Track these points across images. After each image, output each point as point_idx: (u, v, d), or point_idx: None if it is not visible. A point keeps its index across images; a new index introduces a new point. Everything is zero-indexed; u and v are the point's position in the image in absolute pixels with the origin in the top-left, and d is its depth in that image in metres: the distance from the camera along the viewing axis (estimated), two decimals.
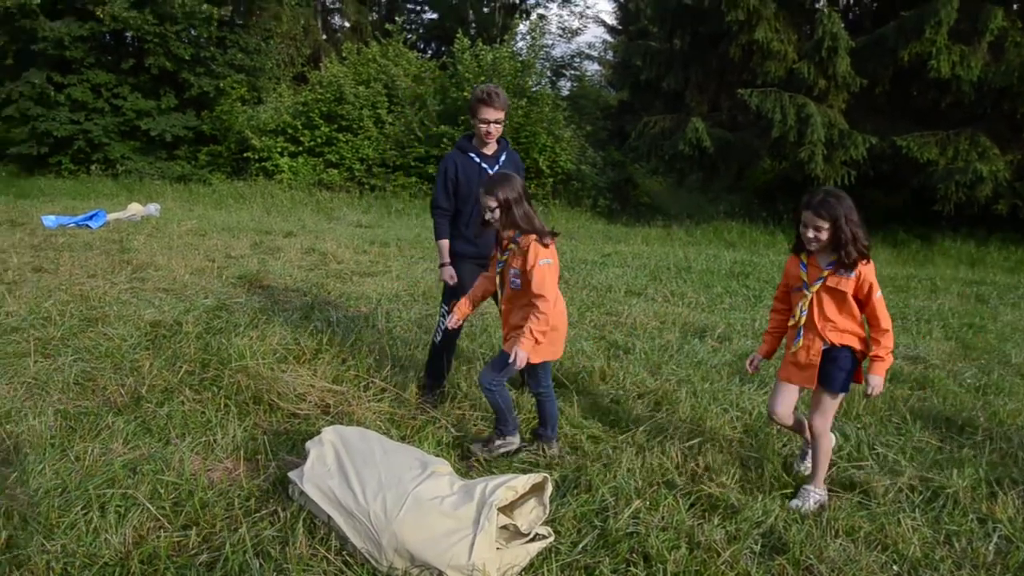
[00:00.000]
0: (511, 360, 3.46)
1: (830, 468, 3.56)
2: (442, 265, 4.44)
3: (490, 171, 4.23)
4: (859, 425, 4.36)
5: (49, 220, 11.94)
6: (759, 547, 2.90)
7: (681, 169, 21.30)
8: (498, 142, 4.36)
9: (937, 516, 3.29)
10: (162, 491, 3.06)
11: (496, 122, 4.18)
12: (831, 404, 3.35)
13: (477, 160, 4.29)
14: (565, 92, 28.01)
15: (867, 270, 3.17)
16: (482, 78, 18.81)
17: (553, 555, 2.69)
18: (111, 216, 12.78)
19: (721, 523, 3.06)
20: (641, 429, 4.14)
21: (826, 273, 3.22)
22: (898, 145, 15.34)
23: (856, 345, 3.27)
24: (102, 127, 19.45)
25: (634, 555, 2.78)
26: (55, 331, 5.16)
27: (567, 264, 10.70)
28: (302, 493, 2.88)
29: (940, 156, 15.18)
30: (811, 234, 3.18)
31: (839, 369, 3.27)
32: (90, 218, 12.26)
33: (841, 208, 3.09)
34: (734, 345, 6.29)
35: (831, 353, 3.27)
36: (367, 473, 2.78)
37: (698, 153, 17.77)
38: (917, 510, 3.33)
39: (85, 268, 7.97)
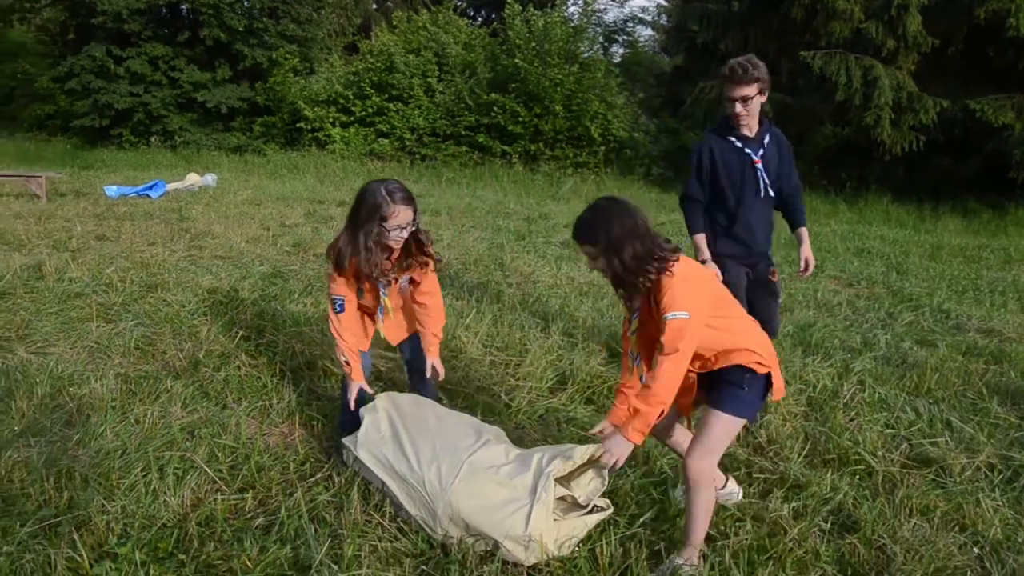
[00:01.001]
0: None
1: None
2: (703, 261, 3.76)
3: (754, 156, 3.69)
4: (931, 400, 4.14)
5: (111, 190, 12.26)
6: (828, 525, 2.76)
7: None
8: (760, 122, 3.76)
9: (1019, 497, 3.10)
10: (219, 454, 3.08)
11: (745, 99, 3.55)
12: (717, 432, 2.49)
13: (739, 144, 3.69)
14: (617, 58, 27.43)
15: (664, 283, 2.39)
16: (532, 44, 18.50)
17: (611, 528, 2.61)
18: (170, 186, 13.07)
19: (786, 499, 2.93)
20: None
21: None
22: (971, 109, 14.55)
23: (744, 361, 2.47)
24: (160, 99, 19.84)
25: None
26: (116, 297, 5.27)
27: None
28: (356, 459, 2.86)
29: (1016, 120, 14.35)
30: (588, 262, 2.55)
31: (729, 384, 2.51)
32: (150, 188, 12.55)
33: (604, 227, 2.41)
34: (795, 315, 6.07)
35: (716, 375, 2.56)
36: (421, 440, 2.73)
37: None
38: (997, 490, 3.14)
39: (145, 236, 8.14)
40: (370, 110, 19.35)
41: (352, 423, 3.07)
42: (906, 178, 17.99)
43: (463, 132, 19.10)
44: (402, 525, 2.66)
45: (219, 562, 2.36)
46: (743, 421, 2.52)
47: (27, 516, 2.47)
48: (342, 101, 19.56)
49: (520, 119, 18.57)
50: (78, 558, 2.26)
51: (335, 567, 2.30)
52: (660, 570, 2.47)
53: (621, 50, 29.82)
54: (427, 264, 3.10)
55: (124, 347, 4.32)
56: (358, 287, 3.06)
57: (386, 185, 2.83)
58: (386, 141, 19.29)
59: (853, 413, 3.93)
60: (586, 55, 20.00)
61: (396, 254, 2.98)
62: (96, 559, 2.30)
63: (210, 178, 14.46)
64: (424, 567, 2.43)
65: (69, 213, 9.71)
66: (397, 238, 2.85)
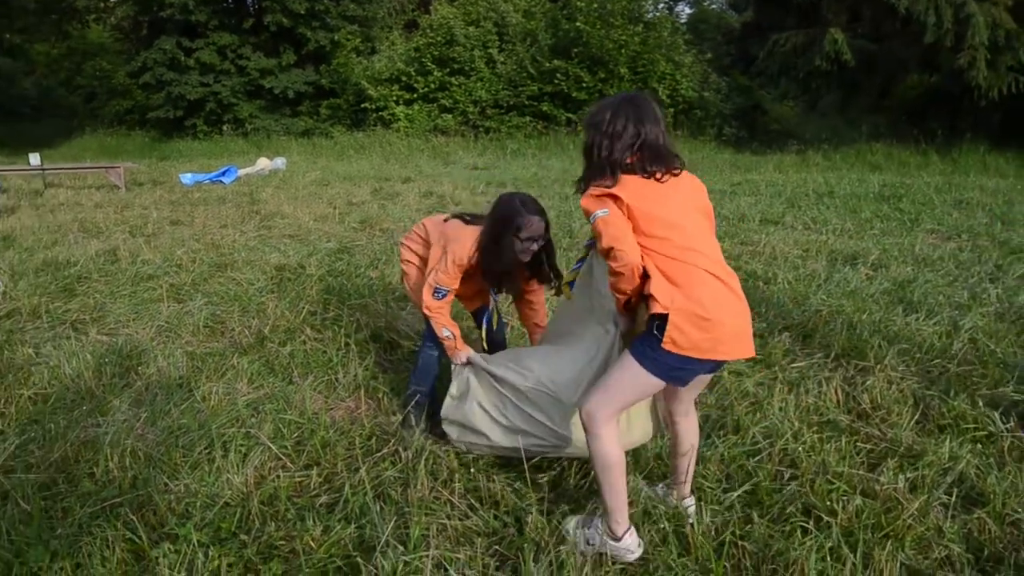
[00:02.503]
0: None
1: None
2: None
3: None
4: None
5: (186, 178, 12.57)
6: (952, 499, 2.43)
7: (817, 89, 19.63)
8: None
9: None
10: (284, 430, 2.97)
11: None
12: (616, 375, 2.20)
13: None
14: (684, 17, 26.43)
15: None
16: (594, 5, 17.94)
17: (704, 505, 2.36)
18: (241, 171, 13.31)
19: (900, 470, 2.61)
20: (792, 364, 3.69)
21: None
22: None
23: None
24: (230, 88, 20.26)
25: (793, 507, 2.41)
26: (187, 277, 5.29)
27: None
28: (451, 423, 2.69)
29: None
30: None
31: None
32: (223, 174, 12.80)
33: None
34: (892, 272, 5.60)
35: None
36: (526, 362, 2.61)
37: (836, 69, 16.21)
38: None
39: (218, 219, 8.25)
40: (432, 86, 19.23)
41: (425, 396, 3.05)
42: (1004, 124, 16.68)
43: (526, 102, 18.76)
44: (473, 502, 2.49)
45: (281, 542, 2.24)
46: (645, 372, 2.12)
47: (89, 496, 2.42)
48: (404, 78, 19.49)
49: (584, 84, 18.08)
50: (137, 540, 2.18)
51: (401, 548, 2.15)
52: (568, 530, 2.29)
53: (687, 8, 28.76)
54: (549, 282, 2.97)
55: (193, 326, 4.30)
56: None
57: (520, 196, 2.78)
58: (449, 116, 19.15)
59: (971, 369, 3.53)
60: (650, 14, 19.30)
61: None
62: (156, 541, 2.21)
63: (280, 162, 14.67)
64: (497, 547, 2.25)
65: (146, 201, 9.96)
66: (527, 249, 2.75)
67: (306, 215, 8.37)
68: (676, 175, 2.21)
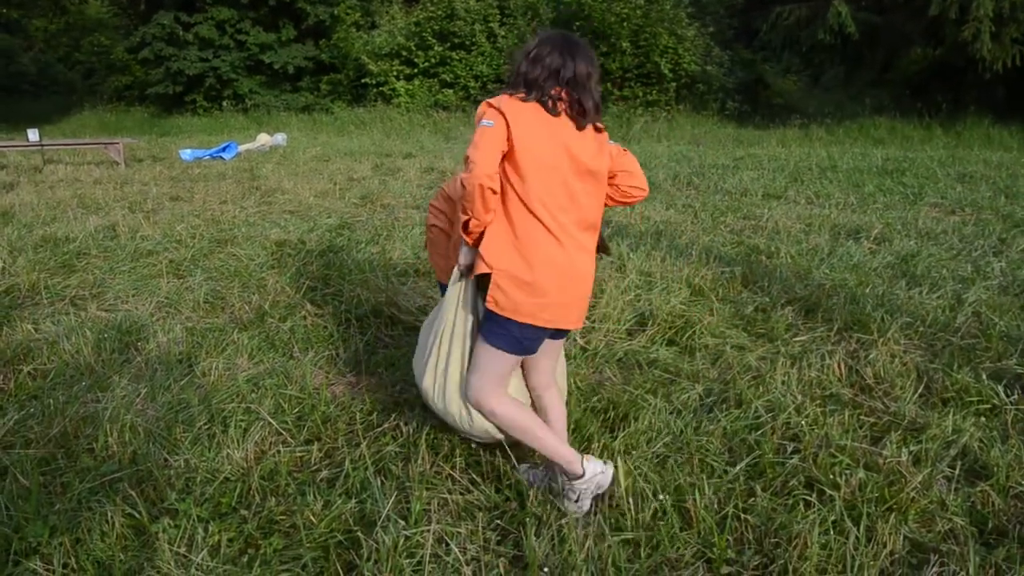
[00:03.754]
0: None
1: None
2: None
3: None
4: None
5: (186, 154, 12.49)
6: (956, 472, 2.42)
7: (820, 62, 19.45)
8: None
9: None
10: (285, 405, 2.96)
11: None
12: (479, 357, 2.21)
13: None
14: None
15: None
16: None
17: (706, 477, 2.35)
18: (242, 147, 13.22)
19: (903, 443, 2.59)
20: (795, 338, 3.67)
21: None
22: None
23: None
24: (229, 63, 20.06)
25: (796, 480, 2.39)
26: (186, 253, 5.26)
27: (695, 169, 9.99)
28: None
29: None
30: None
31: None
32: (223, 150, 12.71)
33: None
34: (895, 246, 5.56)
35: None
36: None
37: (840, 42, 16.00)
38: None
39: (218, 195, 8.19)
40: (433, 60, 19.02)
41: None
42: (1008, 97, 16.49)
43: None
44: (474, 477, 2.48)
45: (282, 517, 2.23)
46: (494, 348, 2.13)
47: (88, 472, 2.41)
48: (405, 53, 19.29)
49: None
50: (137, 515, 2.17)
51: (402, 522, 2.14)
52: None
53: None
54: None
55: (193, 301, 4.28)
56: None
57: None
58: (450, 91, 18.98)
59: (975, 343, 3.51)
60: None
61: None
62: (155, 516, 2.21)
63: (280, 138, 14.56)
64: (499, 521, 2.25)
65: (146, 177, 9.89)
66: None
67: (307, 191, 8.31)
68: (596, 128, 2.16)
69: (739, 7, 25.18)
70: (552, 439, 2.20)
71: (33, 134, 10.87)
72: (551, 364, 2.36)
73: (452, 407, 2.29)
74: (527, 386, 2.39)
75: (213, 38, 19.77)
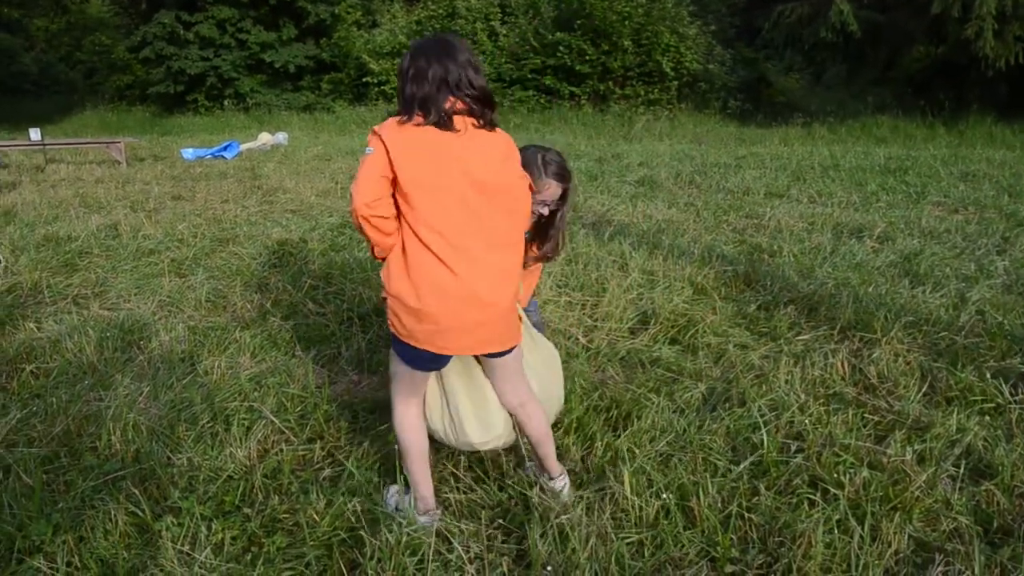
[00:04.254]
0: None
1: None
2: None
3: None
4: None
5: (187, 153, 12.50)
6: (960, 471, 2.41)
7: (822, 61, 19.44)
8: None
9: None
10: (287, 404, 2.96)
11: None
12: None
13: None
14: None
15: None
16: None
17: (710, 476, 2.35)
18: (243, 146, 13.23)
19: (907, 442, 2.59)
20: (798, 337, 3.67)
21: None
22: None
23: None
24: (230, 62, 20.09)
25: (800, 479, 2.39)
26: (188, 252, 5.26)
27: (698, 168, 9.98)
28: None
29: None
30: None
31: None
32: (224, 149, 12.72)
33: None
34: (898, 245, 5.54)
35: None
36: None
37: (843, 40, 15.98)
38: None
39: (219, 194, 8.20)
40: None
41: None
42: (1011, 95, 16.46)
43: (529, 76, 18.57)
44: (479, 474, 2.48)
45: (285, 516, 2.23)
46: (397, 358, 2.12)
47: (91, 470, 2.41)
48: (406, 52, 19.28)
49: (588, 58, 17.88)
50: (140, 513, 2.17)
51: (404, 521, 2.14)
52: None
53: None
54: (547, 252, 2.60)
55: (195, 300, 4.28)
56: None
57: (544, 152, 2.47)
58: None
59: (978, 343, 3.50)
60: None
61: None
62: (159, 514, 2.21)
63: (281, 137, 14.57)
64: (501, 520, 2.24)
65: (147, 176, 9.90)
66: (534, 211, 2.45)
67: (308, 190, 8.31)
68: (484, 128, 2.02)
69: (741, 5, 25.16)
70: (420, 473, 2.20)
71: (35, 133, 10.89)
72: (511, 384, 2.23)
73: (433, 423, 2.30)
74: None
75: (214, 37, 19.80)
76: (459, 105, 2.00)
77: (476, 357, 2.22)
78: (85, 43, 25.08)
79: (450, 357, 2.11)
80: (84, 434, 2.68)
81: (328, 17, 20.41)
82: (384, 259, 2.07)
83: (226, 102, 20.57)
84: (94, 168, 10.86)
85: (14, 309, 4.10)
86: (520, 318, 2.23)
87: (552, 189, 2.45)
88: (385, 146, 1.93)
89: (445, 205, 1.95)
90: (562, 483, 2.32)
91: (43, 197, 7.87)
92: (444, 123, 1.96)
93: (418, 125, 1.96)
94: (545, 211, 2.49)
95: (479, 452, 2.45)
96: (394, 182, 1.95)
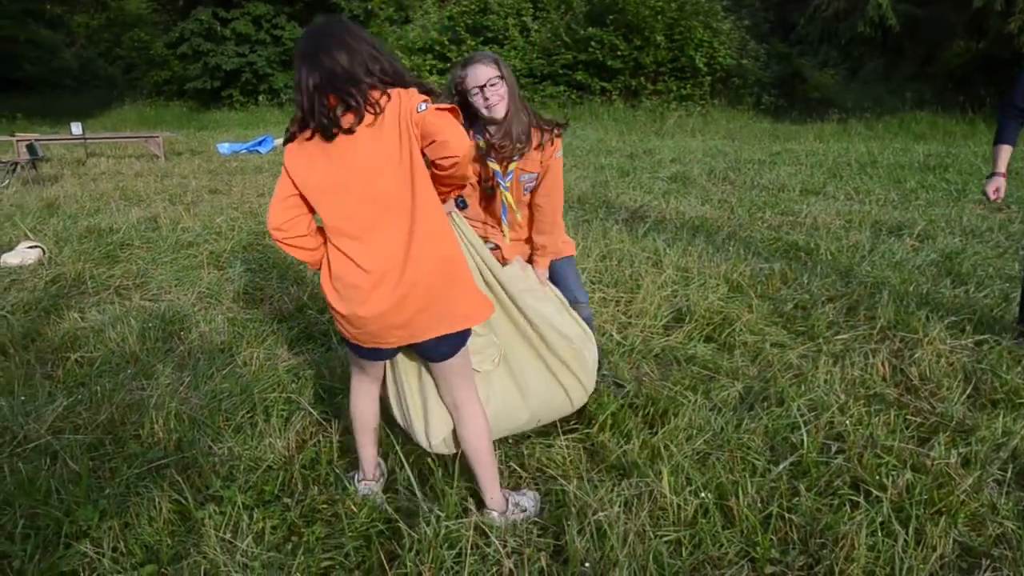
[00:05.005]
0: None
1: None
2: (992, 175, 3.43)
3: None
4: None
5: (223, 147, 12.69)
6: (1007, 475, 2.36)
7: (859, 56, 19.10)
8: None
9: None
10: (324, 395, 2.99)
11: None
12: None
13: None
14: None
15: None
16: None
17: (748, 476, 2.32)
18: (277, 141, 13.37)
19: (951, 445, 2.53)
20: (837, 336, 3.61)
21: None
22: None
23: None
24: (265, 58, 20.33)
25: (841, 480, 2.35)
26: (226, 244, 5.34)
27: (731, 164, 9.88)
28: None
29: None
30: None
31: None
32: (259, 144, 12.89)
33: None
34: (939, 243, 5.43)
35: None
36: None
37: (880, 35, 15.70)
38: None
39: (255, 188, 8.31)
40: (466, 54, 19.02)
41: None
42: None
43: (560, 71, 18.51)
44: (515, 467, 2.48)
45: (323, 506, 2.26)
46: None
47: (135, 458, 2.46)
48: (438, 48, 19.34)
49: (619, 53, 17.77)
50: (183, 501, 2.21)
51: (441, 514, 2.15)
52: None
53: None
54: (549, 135, 2.54)
55: (233, 292, 4.35)
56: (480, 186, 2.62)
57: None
58: None
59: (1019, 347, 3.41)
60: None
61: (504, 129, 2.47)
62: (201, 502, 2.25)
63: None
64: (537, 517, 2.24)
65: (184, 170, 10.07)
66: (481, 101, 2.40)
67: None
68: (372, 112, 1.90)
69: (775, 0, 24.83)
70: (360, 445, 2.32)
71: (76, 128, 11.12)
72: (447, 384, 2.15)
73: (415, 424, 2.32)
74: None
75: (249, 33, 20.05)
76: (326, 108, 1.90)
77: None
78: (124, 39, 25.56)
79: (393, 350, 2.10)
80: (128, 422, 2.73)
81: (361, 13, 20.56)
82: (318, 270, 2.10)
83: (260, 97, 20.83)
84: (133, 162, 11.07)
85: (59, 299, 4.20)
86: (498, 288, 2.28)
87: (477, 71, 2.40)
88: (286, 167, 1.98)
89: (347, 205, 1.93)
90: (495, 517, 2.16)
91: (84, 190, 8.04)
92: (326, 130, 1.90)
93: (308, 139, 1.94)
94: (491, 95, 2.39)
95: (506, 439, 2.48)
96: (303, 198, 1.97)
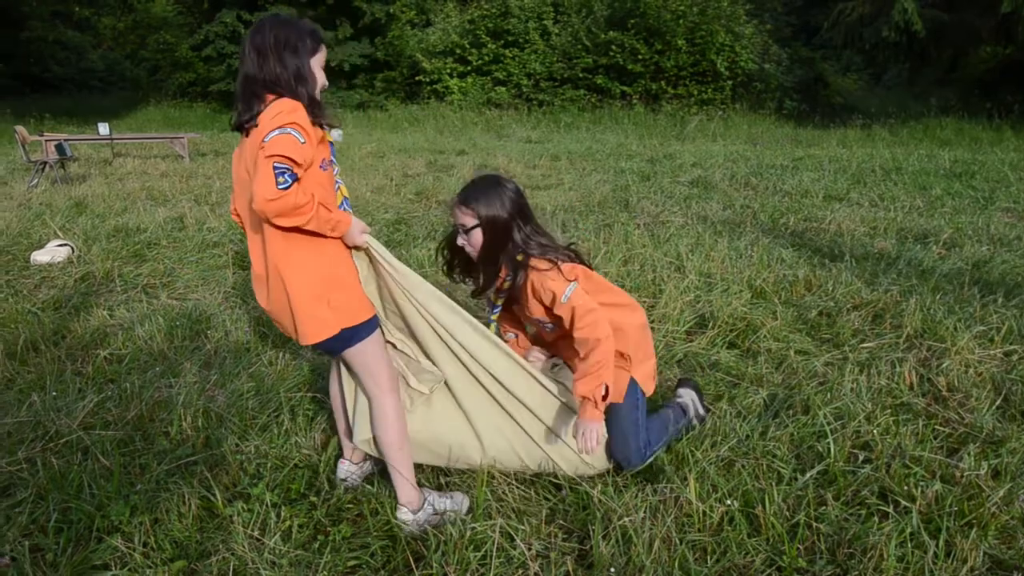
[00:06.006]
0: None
1: None
2: None
3: None
4: None
5: None
6: None
7: (884, 61, 18.94)
8: None
9: None
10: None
11: None
12: None
13: None
14: None
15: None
16: None
17: (774, 484, 2.31)
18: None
19: (982, 456, 2.50)
20: (862, 344, 3.58)
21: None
22: None
23: None
24: None
25: (868, 490, 2.33)
26: None
27: (753, 169, 9.82)
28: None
29: None
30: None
31: None
32: None
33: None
34: (966, 252, 5.36)
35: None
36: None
37: (906, 39, 15.56)
38: None
39: None
40: (486, 58, 19.11)
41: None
42: None
43: (580, 75, 18.52)
44: (534, 479, 2.48)
45: (349, 506, 2.27)
46: None
47: (165, 454, 2.49)
48: (459, 51, 19.42)
49: (640, 57, 17.74)
50: (211, 497, 2.24)
51: (467, 517, 2.15)
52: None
53: None
54: (526, 270, 2.30)
55: None
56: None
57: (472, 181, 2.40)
58: (503, 89, 19.04)
59: None
60: None
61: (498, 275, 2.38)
62: (229, 499, 2.27)
63: (336, 134, 14.78)
64: (562, 521, 2.24)
65: (209, 171, 10.18)
66: (461, 241, 2.35)
67: (363, 186, 8.44)
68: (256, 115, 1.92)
69: (798, 4, 24.66)
70: (337, 421, 2.44)
71: (103, 128, 11.28)
72: (354, 376, 2.25)
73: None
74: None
75: None
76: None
77: None
78: (150, 41, 25.87)
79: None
80: (156, 419, 2.77)
81: (383, 16, 20.67)
82: None
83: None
84: (158, 162, 11.21)
85: (88, 296, 4.26)
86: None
87: (456, 215, 2.33)
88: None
89: (242, 201, 2.11)
90: (404, 513, 2.16)
91: (111, 189, 8.16)
92: (241, 128, 2.04)
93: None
94: (467, 242, 2.33)
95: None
96: None
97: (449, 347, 2.25)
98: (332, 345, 2.07)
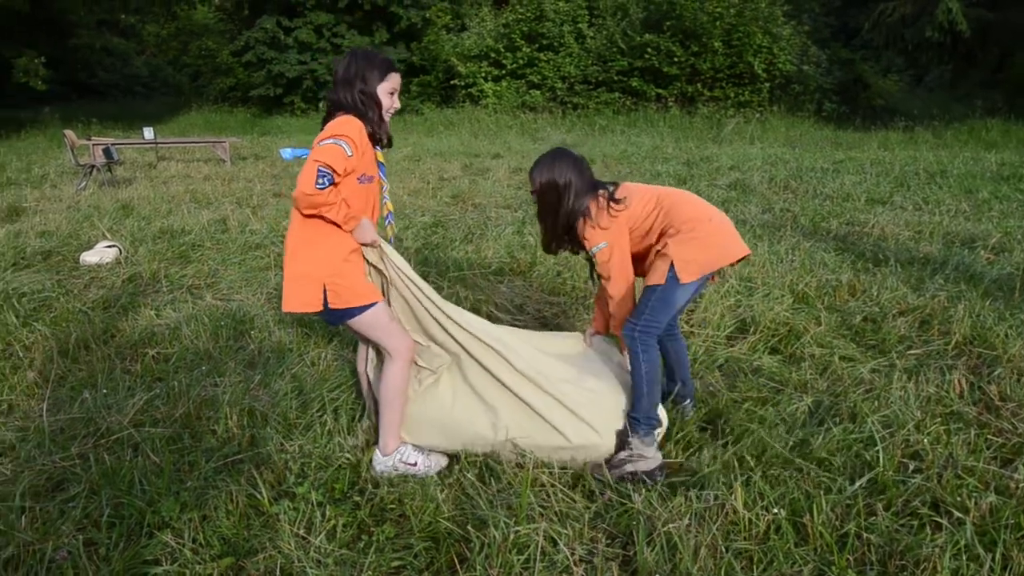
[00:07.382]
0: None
1: None
2: None
3: None
4: None
5: (286, 152, 13.00)
6: None
7: (927, 62, 18.54)
8: None
9: None
10: None
11: None
12: None
13: None
14: None
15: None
16: None
17: (822, 494, 2.27)
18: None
19: None
20: (909, 351, 3.50)
21: None
22: None
23: None
24: (325, 66, 20.75)
25: (920, 501, 2.28)
26: None
27: (792, 172, 9.68)
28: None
29: None
30: None
31: None
32: None
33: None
34: (1016, 256, 5.22)
35: None
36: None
37: (950, 40, 15.21)
38: None
39: None
40: (521, 62, 19.13)
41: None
42: None
43: (615, 78, 18.43)
44: (576, 483, 2.47)
45: (392, 506, 2.29)
46: None
47: (212, 452, 2.54)
48: (493, 55, 19.48)
49: (676, 59, 17.60)
50: (258, 495, 2.27)
51: (510, 522, 2.15)
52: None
53: None
54: (579, 223, 2.62)
55: None
56: None
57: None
58: (537, 92, 19.03)
59: None
60: None
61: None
62: (275, 497, 2.30)
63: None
64: (605, 526, 2.23)
65: (250, 174, 10.36)
66: None
67: (400, 189, 8.51)
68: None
69: (837, 4, 24.24)
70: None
71: (148, 132, 11.54)
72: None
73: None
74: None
75: (311, 41, 20.51)
76: None
77: None
78: (192, 48, 26.44)
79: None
80: (203, 417, 2.82)
81: (419, 21, 20.82)
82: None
83: (321, 104, 21.27)
84: (201, 166, 11.44)
85: (136, 296, 4.37)
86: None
87: None
88: None
89: None
90: (376, 456, 2.50)
91: (156, 192, 8.35)
92: None
93: None
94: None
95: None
96: None
97: (453, 335, 2.54)
98: (324, 317, 2.39)
